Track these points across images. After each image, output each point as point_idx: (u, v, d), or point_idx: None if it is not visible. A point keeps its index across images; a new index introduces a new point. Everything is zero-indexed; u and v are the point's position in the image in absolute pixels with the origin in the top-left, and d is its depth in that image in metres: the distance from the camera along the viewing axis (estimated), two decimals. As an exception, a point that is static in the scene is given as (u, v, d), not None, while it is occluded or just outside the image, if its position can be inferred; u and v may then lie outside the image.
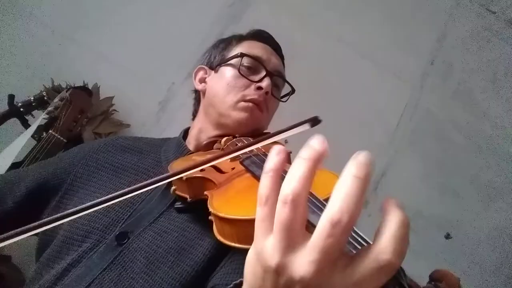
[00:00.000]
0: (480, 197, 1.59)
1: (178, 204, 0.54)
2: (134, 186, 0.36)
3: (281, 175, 0.28)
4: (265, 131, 0.78)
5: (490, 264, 1.52)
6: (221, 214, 0.36)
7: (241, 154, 0.52)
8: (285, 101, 0.83)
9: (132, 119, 1.37)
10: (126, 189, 0.36)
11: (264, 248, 0.27)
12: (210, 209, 0.38)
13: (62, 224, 0.60)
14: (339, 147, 1.68)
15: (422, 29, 1.71)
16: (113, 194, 0.35)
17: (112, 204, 0.57)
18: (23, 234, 0.30)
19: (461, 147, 1.63)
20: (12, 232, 0.30)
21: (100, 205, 0.34)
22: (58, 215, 0.35)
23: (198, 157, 0.62)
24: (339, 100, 1.56)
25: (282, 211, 0.26)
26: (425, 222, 1.52)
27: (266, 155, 0.48)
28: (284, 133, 0.49)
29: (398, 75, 1.64)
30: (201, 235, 0.53)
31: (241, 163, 0.50)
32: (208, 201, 0.41)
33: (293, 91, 0.82)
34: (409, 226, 0.25)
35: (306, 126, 0.45)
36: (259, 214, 0.28)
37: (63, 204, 0.65)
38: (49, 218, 0.32)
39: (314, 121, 0.44)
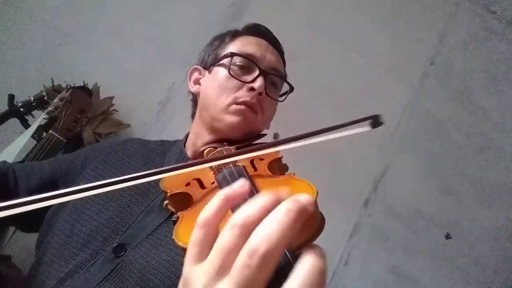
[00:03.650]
0: (480, 197, 1.59)
1: (174, 218, 0.54)
2: (124, 177, 0.37)
3: (231, 206, 0.28)
4: (262, 133, 0.75)
5: (490, 264, 1.52)
6: (180, 244, 0.35)
7: (217, 167, 0.51)
8: (283, 101, 0.77)
9: (132, 119, 1.37)
10: (116, 179, 0.37)
11: (192, 274, 0.26)
12: (173, 237, 0.37)
13: (63, 219, 0.60)
14: (339, 147, 1.67)
15: (422, 29, 1.71)
16: (106, 181, 0.35)
17: (111, 208, 0.59)
18: (25, 205, 0.31)
19: (461, 147, 1.63)
20: (18, 201, 0.30)
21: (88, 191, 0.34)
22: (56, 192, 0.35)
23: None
24: (339, 100, 1.56)
25: (228, 234, 0.25)
26: (425, 222, 1.52)
27: (239, 169, 0.47)
28: (255, 152, 0.50)
29: (398, 75, 1.64)
30: None
31: (215, 177, 0.48)
32: (175, 226, 0.40)
33: (291, 89, 0.77)
34: (324, 274, 0.23)
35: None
36: (194, 237, 0.27)
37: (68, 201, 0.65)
38: (48, 194, 0.33)
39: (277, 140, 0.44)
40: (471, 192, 1.58)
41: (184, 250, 0.34)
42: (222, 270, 0.24)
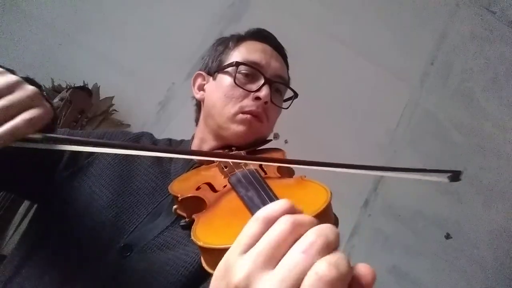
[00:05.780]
0: (480, 197, 1.59)
1: (182, 222, 0.54)
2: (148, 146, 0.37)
3: (294, 212, 0.28)
4: (268, 139, 0.75)
5: (490, 264, 1.52)
6: (200, 243, 0.35)
7: (228, 170, 0.52)
8: (287, 108, 0.77)
9: (132, 119, 1.37)
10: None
11: (236, 261, 0.26)
12: (192, 237, 0.37)
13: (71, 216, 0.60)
14: (340, 147, 1.67)
15: (422, 29, 1.71)
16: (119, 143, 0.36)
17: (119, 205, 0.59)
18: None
19: (461, 147, 1.63)
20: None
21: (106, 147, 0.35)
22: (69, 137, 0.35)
23: (201, 172, 0.62)
24: (339, 100, 1.56)
25: (281, 226, 0.26)
26: (425, 222, 1.52)
27: (252, 172, 0.48)
28: (262, 161, 0.52)
29: (398, 75, 1.64)
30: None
31: (229, 181, 0.49)
32: (193, 227, 0.40)
33: (295, 95, 0.77)
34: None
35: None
36: (250, 229, 0.27)
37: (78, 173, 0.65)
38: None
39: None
40: (471, 192, 1.58)
41: (203, 249, 0.35)
42: (268, 261, 0.25)
